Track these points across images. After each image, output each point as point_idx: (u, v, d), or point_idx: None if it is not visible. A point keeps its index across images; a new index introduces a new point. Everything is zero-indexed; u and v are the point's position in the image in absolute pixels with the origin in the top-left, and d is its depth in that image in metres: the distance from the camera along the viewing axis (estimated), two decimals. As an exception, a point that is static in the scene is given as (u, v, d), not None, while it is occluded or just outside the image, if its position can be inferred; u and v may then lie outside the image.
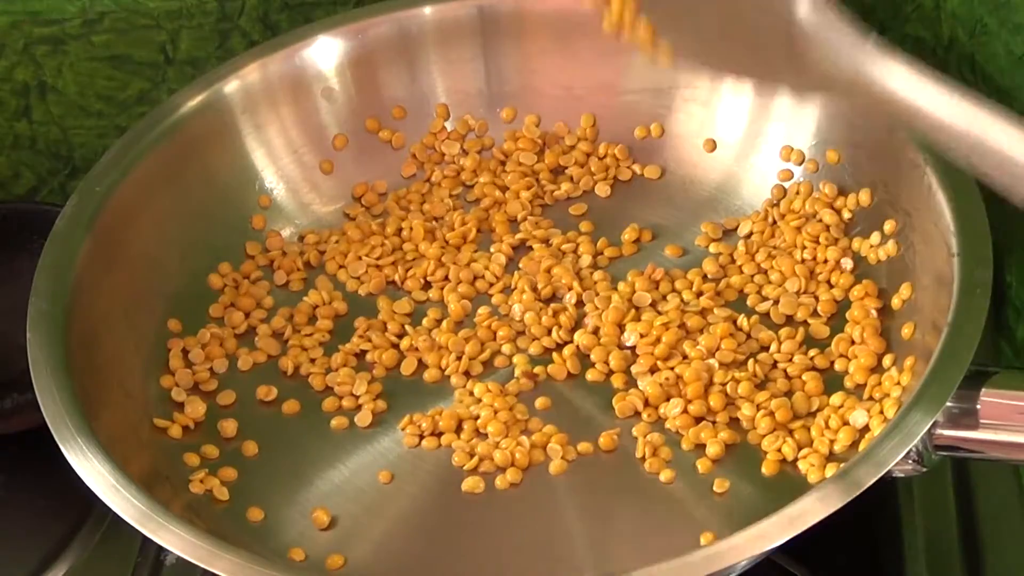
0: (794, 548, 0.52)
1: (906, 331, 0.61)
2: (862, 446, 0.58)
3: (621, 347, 0.64)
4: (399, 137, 0.74)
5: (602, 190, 0.72)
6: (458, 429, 0.63)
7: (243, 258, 0.70)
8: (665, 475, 0.60)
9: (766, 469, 0.59)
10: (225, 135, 0.71)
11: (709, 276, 0.67)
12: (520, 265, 0.69)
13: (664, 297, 0.67)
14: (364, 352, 0.66)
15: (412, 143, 0.74)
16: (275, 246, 0.71)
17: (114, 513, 0.54)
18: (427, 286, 0.69)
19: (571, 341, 0.65)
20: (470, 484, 0.61)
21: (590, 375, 0.64)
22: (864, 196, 0.67)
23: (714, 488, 0.59)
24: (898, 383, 0.59)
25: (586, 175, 0.73)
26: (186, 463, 0.62)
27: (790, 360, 0.63)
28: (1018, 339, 0.69)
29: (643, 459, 0.60)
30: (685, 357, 0.64)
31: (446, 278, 0.69)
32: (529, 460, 0.61)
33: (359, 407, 0.64)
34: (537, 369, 0.64)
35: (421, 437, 0.63)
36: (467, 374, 0.65)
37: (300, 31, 0.72)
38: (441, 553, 0.59)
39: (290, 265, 0.70)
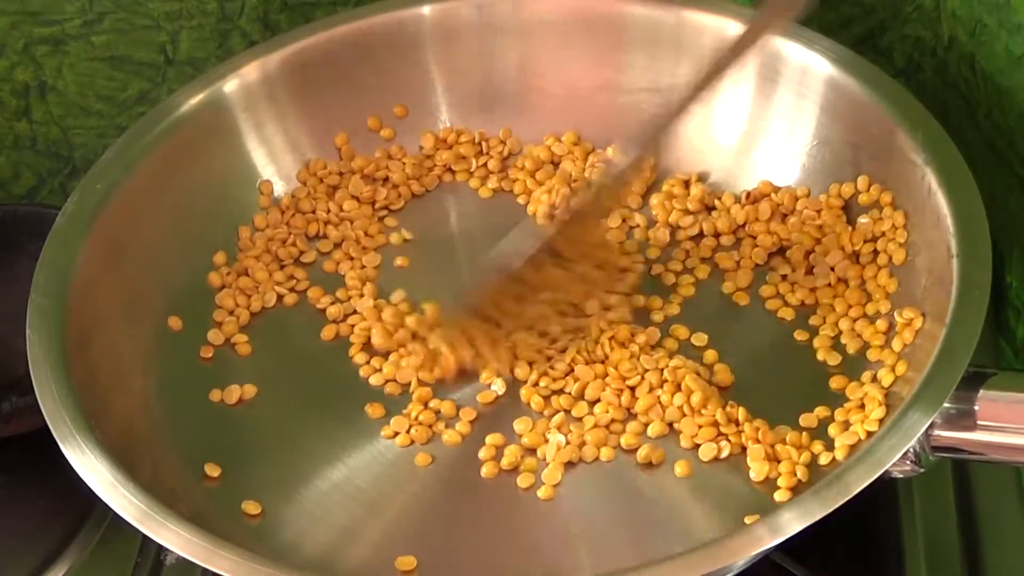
0: (794, 548, 0.52)
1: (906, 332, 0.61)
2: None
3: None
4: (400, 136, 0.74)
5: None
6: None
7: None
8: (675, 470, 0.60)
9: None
10: (225, 134, 0.71)
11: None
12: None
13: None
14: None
15: (413, 144, 0.74)
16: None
17: (114, 513, 0.54)
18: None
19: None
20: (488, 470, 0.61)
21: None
22: (864, 197, 0.67)
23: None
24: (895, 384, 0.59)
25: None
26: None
27: None
28: (1018, 339, 0.69)
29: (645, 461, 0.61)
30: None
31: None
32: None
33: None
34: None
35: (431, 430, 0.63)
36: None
37: (300, 31, 0.72)
38: (441, 552, 0.59)
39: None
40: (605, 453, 0.61)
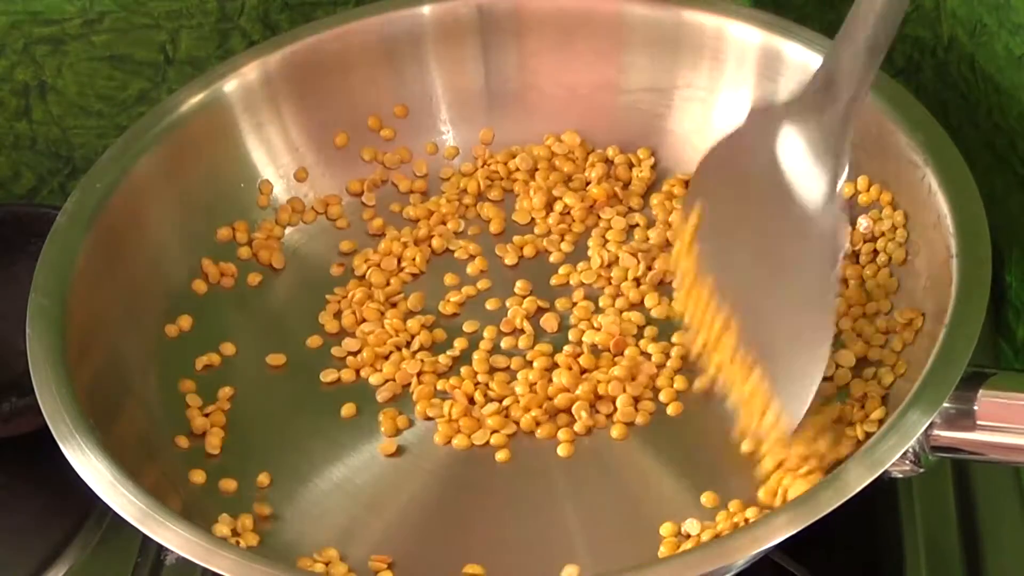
0: (794, 548, 0.52)
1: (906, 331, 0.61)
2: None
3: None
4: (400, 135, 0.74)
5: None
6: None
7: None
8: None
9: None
10: (225, 134, 0.71)
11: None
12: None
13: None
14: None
15: (414, 143, 0.74)
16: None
17: (114, 513, 0.54)
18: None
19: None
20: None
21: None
22: (864, 197, 0.67)
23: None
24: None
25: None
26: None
27: None
28: (1018, 339, 0.69)
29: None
30: None
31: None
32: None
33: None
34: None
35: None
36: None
37: (300, 31, 0.72)
38: (441, 549, 0.59)
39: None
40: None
